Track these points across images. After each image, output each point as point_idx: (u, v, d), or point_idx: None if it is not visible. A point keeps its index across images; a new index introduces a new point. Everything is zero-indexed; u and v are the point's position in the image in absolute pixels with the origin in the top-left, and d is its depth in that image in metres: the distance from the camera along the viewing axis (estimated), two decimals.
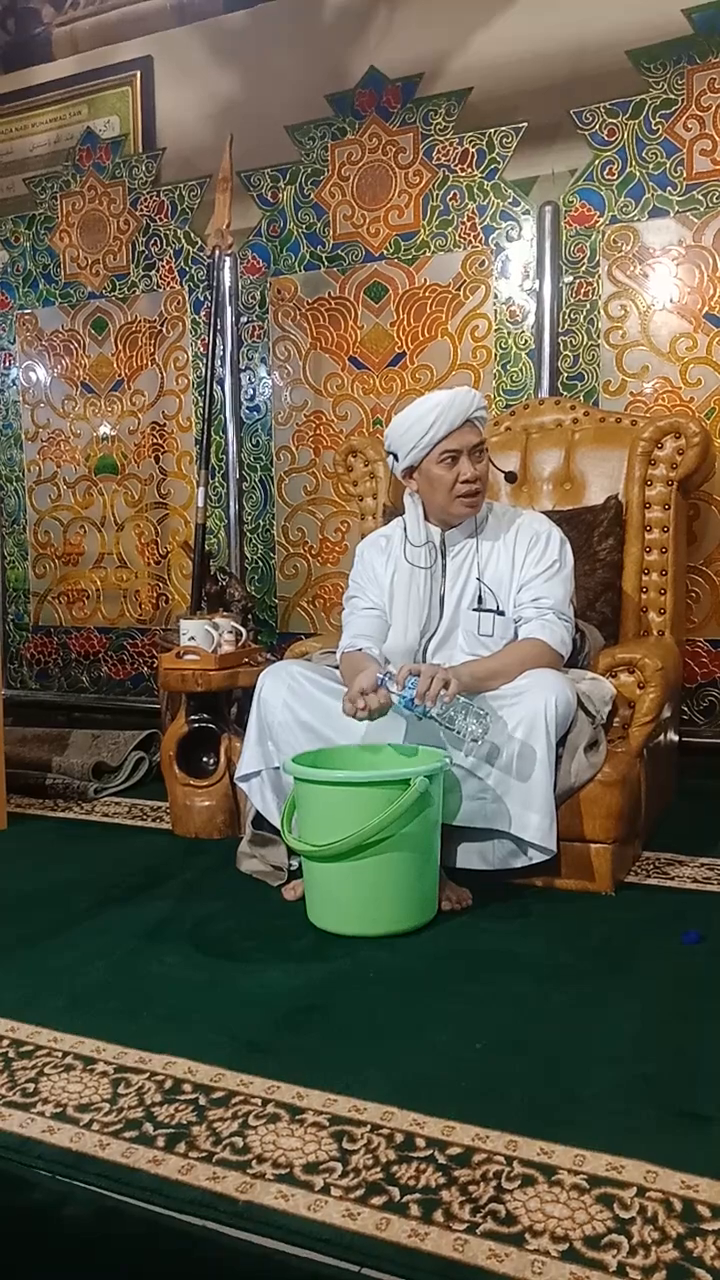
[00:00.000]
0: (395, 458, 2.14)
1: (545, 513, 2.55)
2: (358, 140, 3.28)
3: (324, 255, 3.37)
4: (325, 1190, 1.14)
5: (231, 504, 3.50)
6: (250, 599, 2.93)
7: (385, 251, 3.27)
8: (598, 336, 3.00)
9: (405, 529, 2.20)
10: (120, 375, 3.79)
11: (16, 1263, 1.16)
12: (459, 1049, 1.45)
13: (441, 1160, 1.19)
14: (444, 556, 2.16)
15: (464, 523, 2.15)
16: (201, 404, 3.21)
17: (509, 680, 2.00)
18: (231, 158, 3.08)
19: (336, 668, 2.20)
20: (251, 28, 3.72)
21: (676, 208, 2.88)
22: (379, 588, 2.21)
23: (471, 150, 3.11)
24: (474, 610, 2.11)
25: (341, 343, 3.37)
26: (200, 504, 2.94)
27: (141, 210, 3.67)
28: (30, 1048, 1.48)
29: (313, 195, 3.36)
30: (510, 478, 2.19)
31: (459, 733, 1.87)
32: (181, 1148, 1.23)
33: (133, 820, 2.74)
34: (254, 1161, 1.20)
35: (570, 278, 3.01)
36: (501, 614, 2.11)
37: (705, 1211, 1.09)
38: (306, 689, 2.08)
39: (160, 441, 3.73)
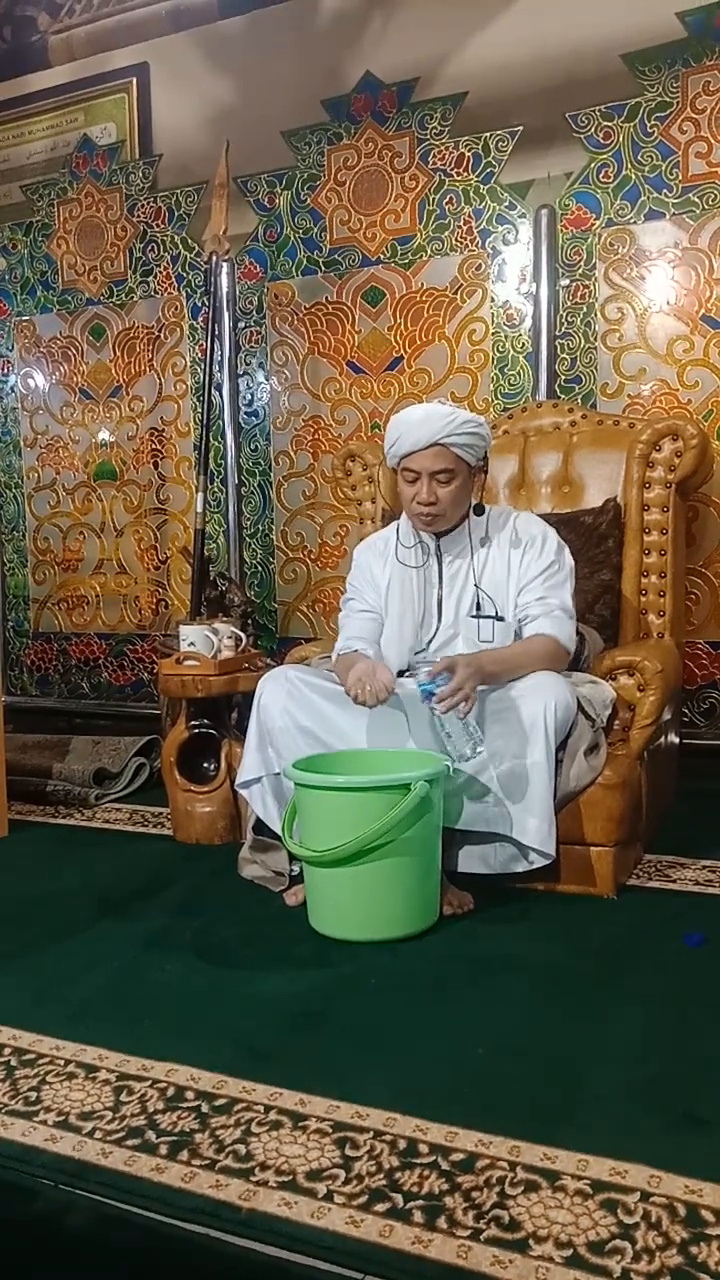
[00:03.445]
0: None
1: (543, 515, 2.55)
2: (354, 145, 3.28)
3: (321, 260, 3.37)
4: (328, 1197, 1.14)
5: (230, 509, 3.50)
6: (250, 604, 2.93)
7: (382, 256, 3.28)
8: (595, 339, 3.00)
9: (399, 530, 2.21)
10: (119, 381, 3.79)
11: (19, 1272, 1.16)
12: (461, 1054, 1.45)
13: (444, 1166, 1.19)
14: (440, 562, 2.16)
15: (458, 528, 2.14)
16: (200, 409, 3.21)
17: (520, 675, 2.00)
18: (228, 163, 3.09)
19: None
20: (247, 34, 3.73)
21: (672, 210, 2.88)
22: (375, 590, 2.21)
23: (467, 154, 3.11)
24: (473, 617, 2.11)
25: (339, 347, 3.38)
26: (199, 509, 2.94)
27: (138, 216, 3.68)
28: (32, 1056, 1.48)
29: (309, 200, 3.37)
30: (478, 510, 2.17)
31: (449, 741, 1.88)
32: (184, 1155, 1.23)
33: (134, 826, 2.74)
34: (257, 1169, 1.19)
35: (567, 281, 3.01)
36: (501, 620, 2.10)
37: (709, 1216, 1.09)
38: (306, 694, 2.08)
39: (159, 447, 3.73)
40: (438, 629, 2.14)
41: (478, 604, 2.11)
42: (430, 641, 2.14)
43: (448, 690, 1.85)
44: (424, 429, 2.00)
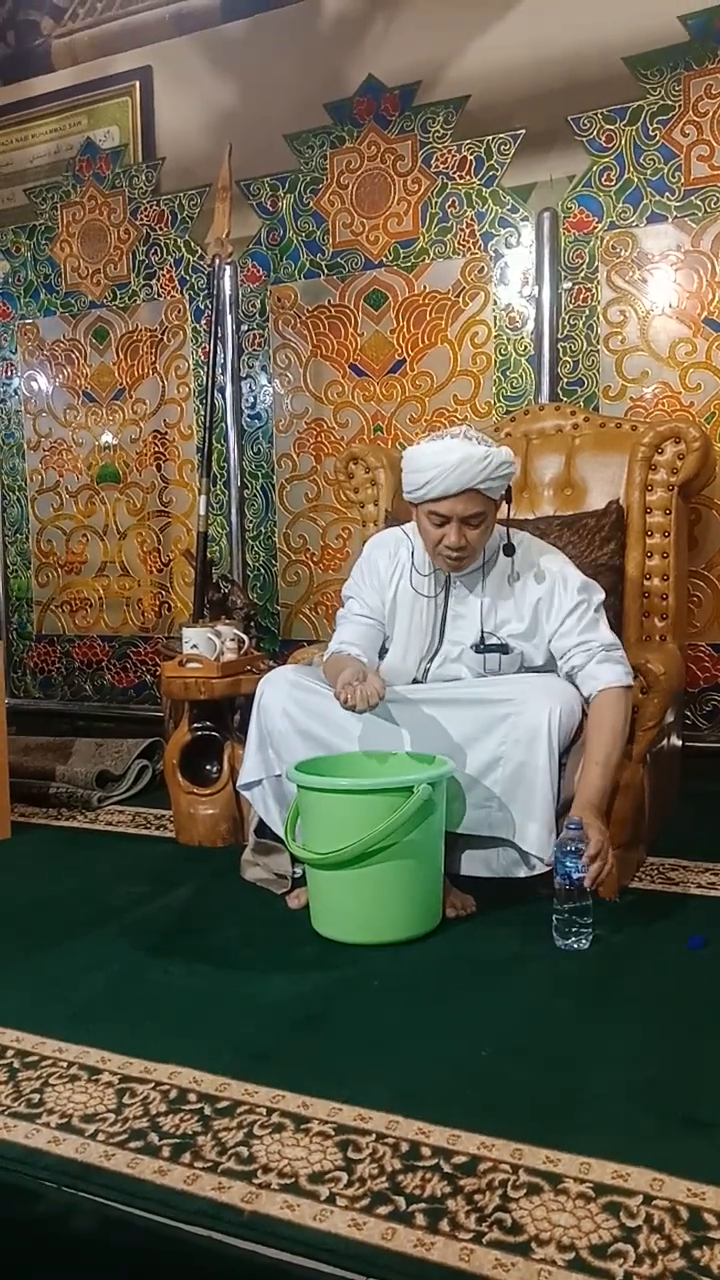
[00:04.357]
0: None
1: (546, 518, 2.56)
2: (356, 148, 3.28)
3: (323, 263, 3.38)
4: (330, 1200, 1.14)
5: (233, 511, 3.51)
6: (252, 606, 2.93)
7: (384, 259, 3.28)
8: (597, 342, 3.01)
9: (414, 554, 2.15)
10: (122, 384, 3.80)
11: (22, 1273, 1.16)
12: (464, 1056, 1.45)
13: (447, 1169, 1.19)
14: (448, 590, 2.11)
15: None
16: (203, 412, 3.22)
17: (618, 745, 1.93)
18: (231, 166, 3.09)
19: None
20: (249, 37, 3.74)
21: (674, 213, 2.88)
22: (378, 593, 2.17)
23: (470, 157, 3.12)
24: (478, 651, 2.06)
25: (342, 350, 3.38)
26: (202, 512, 2.95)
27: (141, 220, 3.69)
28: (35, 1058, 1.48)
29: (312, 203, 3.37)
30: (508, 550, 2.07)
31: (564, 917, 1.80)
32: (187, 1158, 1.23)
33: (136, 829, 2.74)
34: (259, 1171, 1.20)
35: (569, 283, 3.02)
36: (507, 651, 2.05)
37: (712, 1220, 1.09)
38: (306, 696, 2.07)
39: (162, 450, 3.74)
40: (437, 653, 2.12)
41: (482, 638, 2.06)
42: (432, 659, 2.12)
43: (591, 856, 1.77)
44: (458, 475, 1.89)
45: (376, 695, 1.87)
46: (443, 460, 1.91)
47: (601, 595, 2.09)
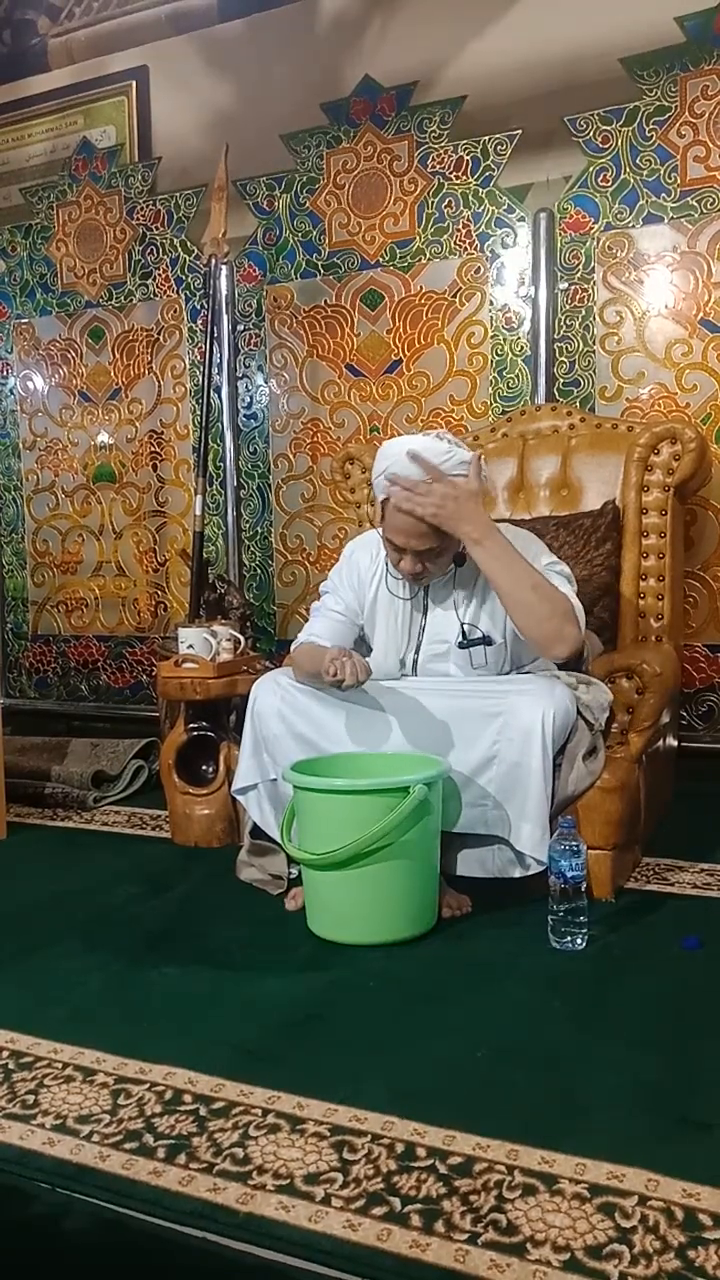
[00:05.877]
0: None
1: (542, 519, 2.57)
2: (353, 148, 3.28)
3: (320, 263, 3.37)
4: (326, 1201, 1.14)
5: (229, 511, 3.51)
6: (248, 606, 2.93)
7: (381, 259, 3.28)
8: (593, 342, 3.01)
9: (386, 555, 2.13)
10: (117, 384, 3.79)
11: (17, 1274, 1.16)
12: (460, 1057, 1.45)
13: (442, 1170, 1.19)
14: (427, 592, 2.10)
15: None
16: (199, 412, 3.22)
17: (520, 580, 1.91)
18: (227, 166, 3.09)
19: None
20: (246, 37, 3.74)
21: (671, 214, 2.89)
22: (356, 593, 2.16)
23: (466, 158, 3.12)
24: (462, 647, 2.05)
25: (338, 350, 3.38)
26: (198, 512, 2.94)
27: (138, 219, 3.68)
28: (30, 1059, 1.48)
29: (308, 203, 3.37)
30: (458, 560, 2.04)
31: (560, 917, 1.80)
32: (182, 1159, 1.23)
33: (132, 829, 2.74)
34: (254, 1172, 1.19)
35: (565, 284, 3.02)
36: (491, 642, 2.04)
37: (707, 1220, 1.09)
38: (300, 700, 2.06)
39: (158, 450, 3.73)
40: (419, 650, 2.11)
41: (464, 633, 2.05)
42: (415, 661, 2.12)
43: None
44: (414, 469, 1.91)
45: (365, 672, 1.89)
46: (400, 451, 1.94)
47: (568, 569, 2.06)
